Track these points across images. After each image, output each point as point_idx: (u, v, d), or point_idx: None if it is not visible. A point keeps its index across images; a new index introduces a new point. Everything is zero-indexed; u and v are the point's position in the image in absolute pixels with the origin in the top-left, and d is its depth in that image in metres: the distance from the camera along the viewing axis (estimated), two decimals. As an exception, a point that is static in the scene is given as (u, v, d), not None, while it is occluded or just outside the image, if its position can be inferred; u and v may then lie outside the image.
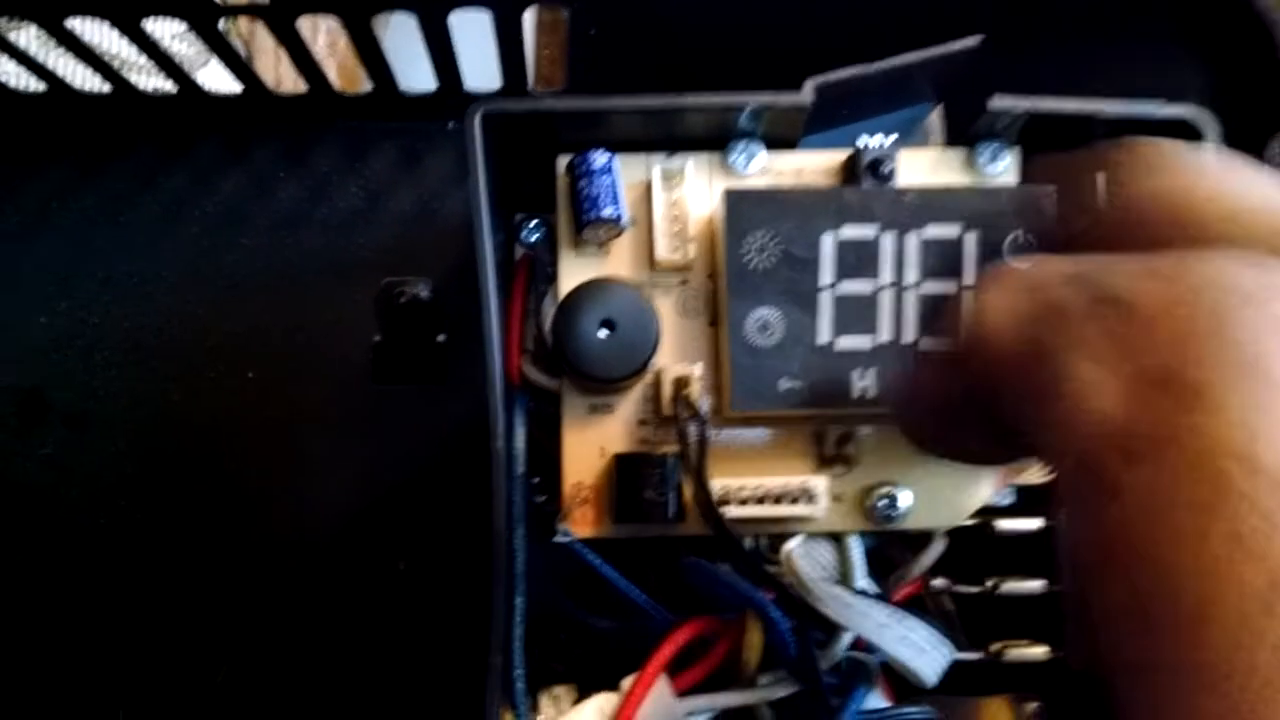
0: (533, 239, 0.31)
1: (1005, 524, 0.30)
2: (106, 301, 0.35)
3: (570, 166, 0.28)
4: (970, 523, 0.29)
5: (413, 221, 0.36)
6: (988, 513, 0.29)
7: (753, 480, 0.27)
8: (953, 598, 0.31)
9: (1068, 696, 0.32)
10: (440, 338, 0.34)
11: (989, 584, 0.31)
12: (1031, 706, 0.32)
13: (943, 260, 0.26)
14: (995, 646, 0.30)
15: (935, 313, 0.26)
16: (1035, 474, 0.29)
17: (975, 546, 0.30)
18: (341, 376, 0.34)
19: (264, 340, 0.35)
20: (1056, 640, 0.31)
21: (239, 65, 0.31)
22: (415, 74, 0.35)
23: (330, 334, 0.35)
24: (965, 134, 0.29)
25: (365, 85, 0.34)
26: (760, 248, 0.26)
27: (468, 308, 0.35)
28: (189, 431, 0.34)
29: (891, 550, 0.30)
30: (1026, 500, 0.30)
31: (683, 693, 0.26)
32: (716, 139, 0.29)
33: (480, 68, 0.34)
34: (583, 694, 0.29)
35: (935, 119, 0.30)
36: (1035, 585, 0.31)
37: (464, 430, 0.34)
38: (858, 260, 0.26)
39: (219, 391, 0.34)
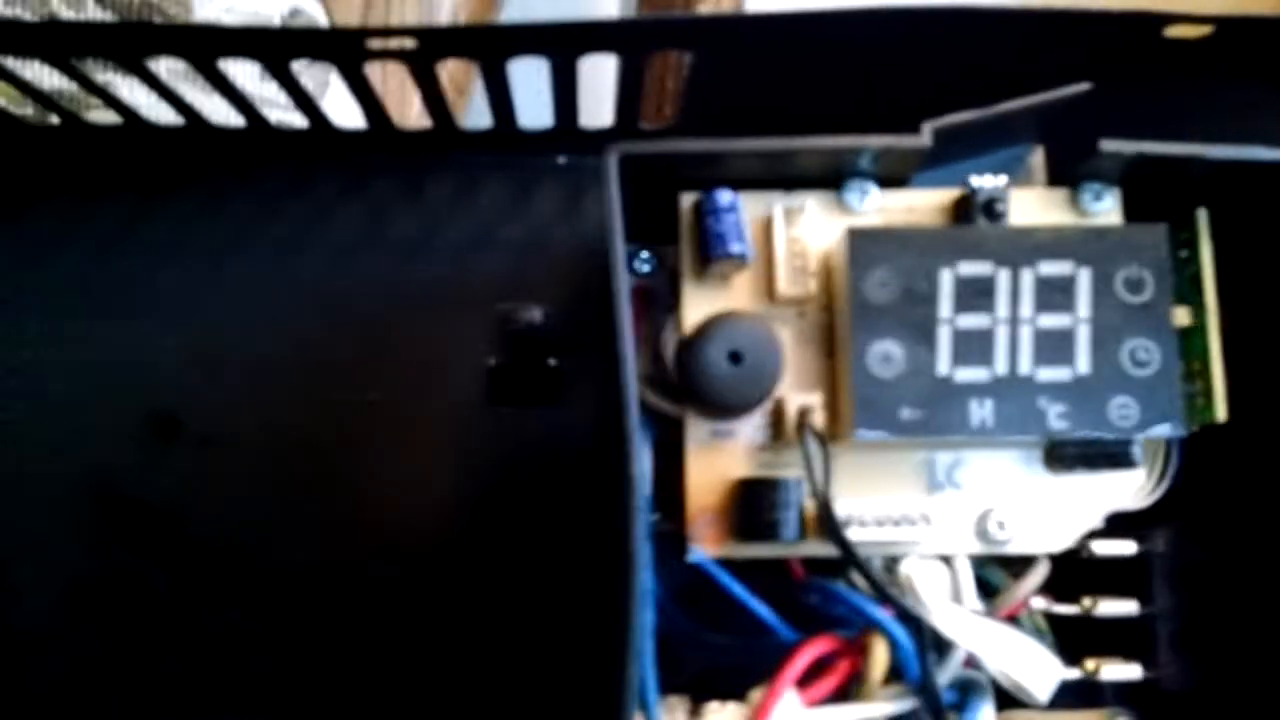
0: (644, 269, 0.33)
1: (1101, 547, 0.31)
2: (235, 325, 0.36)
3: (696, 205, 0.30)
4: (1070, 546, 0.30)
5: (523, 251, 0.37)
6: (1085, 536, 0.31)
7: (871, 504, 0.28)
8: (1046, 617, 0.32)
9: (1159, 715, 0.33)
10: (552, 361, 0.36)
11: (1086, 604, 0.32)
12: (1123, 718, 0.33)
13: (1056, 296, 0.28)
14: (1090, 664, 0.31)
15: (1050, 346, 0.27)
16: (1131, 500, 0.30)
17: (1070, 568, 0.31)
18: (458, 399, 0.36)
19: (383, 364, 0.36)
20: (1149, 660, 0.32)
21: (372, 103, 0.33)
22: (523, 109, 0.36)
23: (446, 359, 0.36)
24: (1068, 173, 0.31)
25: (482, 121, 0.36)
26: (882, 283, 0.28)
27: (579, 333, 0.37)
28: (313, 452, 0.36)
29: (988, 573, 0.31)
30: (1120, 524, 0.31)
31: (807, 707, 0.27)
32: (830, 177, 0.30)
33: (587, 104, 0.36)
34: (697, 704, 0.30)
35: (1038, 158, 0.32)
36: (1130, 607, 0.32)
37: (576, 451, 0.36)
38: (974, 295, 0.28)
39: (341, 413, 0.36)
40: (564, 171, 0.38)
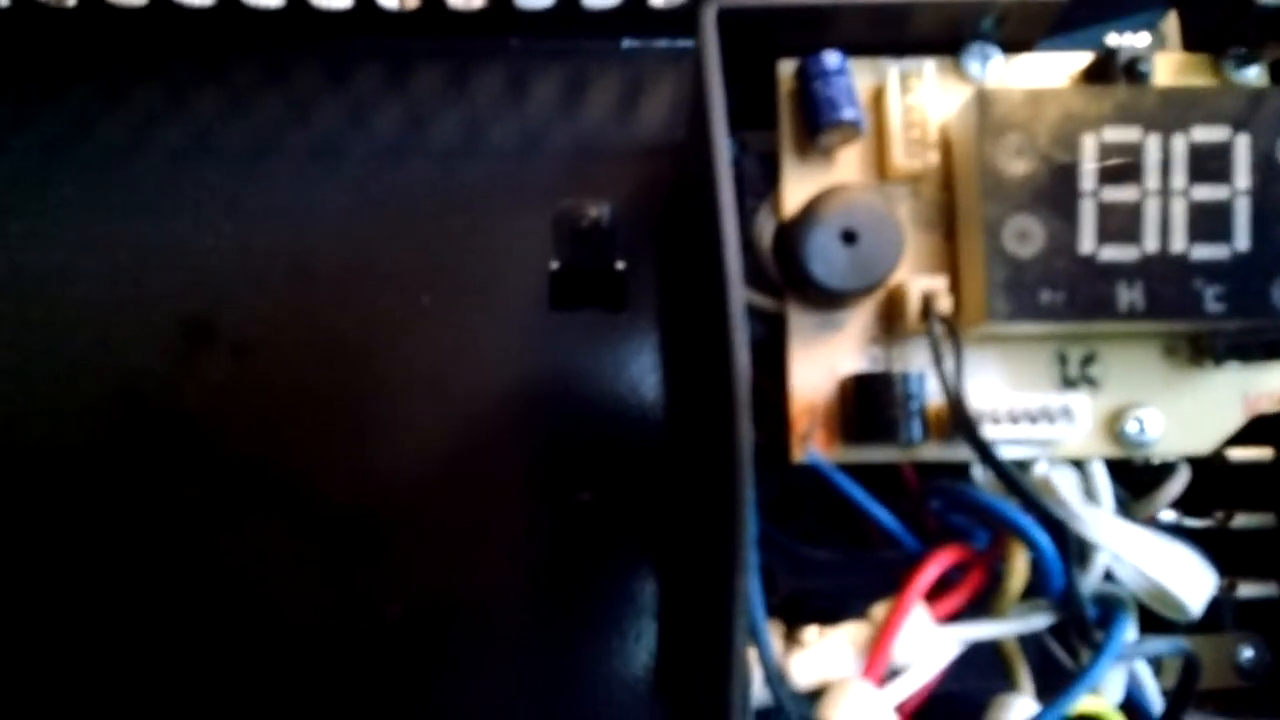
0: (726, 158, 0.30)
1: (1238, 453, 0.29)
2: (274, 226, 0.33)
3: (800, 70, 0.26)
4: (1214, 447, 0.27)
5: (583, 148, 0.34)
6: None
7: (1004, 398, 0.25)
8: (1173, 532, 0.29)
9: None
10: (619, 264, 0.33)
11: (1219, 517, 0.29)
12: (1249, 644, 0.30)
13: (1211, 164, 0.24)
14: (1222, 582, 0.29)
15: (1206, 221, 0.24)
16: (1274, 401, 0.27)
17: (1200, 477, 0.28)
18: (516, 303, 0.33)
19: (436, 267, 0.33)
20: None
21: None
22: None
23: (503, 260, 0.33)
24: (1208, 39, 0.28)
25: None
26: (1017, 150, 0.24)
27: (645, 234, 0.34)
28: (361, 358, 0.33)
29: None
30: (1255, 429, 0.28)
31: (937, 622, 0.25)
32: (946, 42, 0.27)
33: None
34: (792, 629, 0.27)
35: (1171, 24, 0.29)
36: (1267, 519, 0.29)
37: (643, 357, 0.33)
38: (1121, 164, 0.24)
39: (392, 318, 0.33)
40: (627, 58, 0.34)
